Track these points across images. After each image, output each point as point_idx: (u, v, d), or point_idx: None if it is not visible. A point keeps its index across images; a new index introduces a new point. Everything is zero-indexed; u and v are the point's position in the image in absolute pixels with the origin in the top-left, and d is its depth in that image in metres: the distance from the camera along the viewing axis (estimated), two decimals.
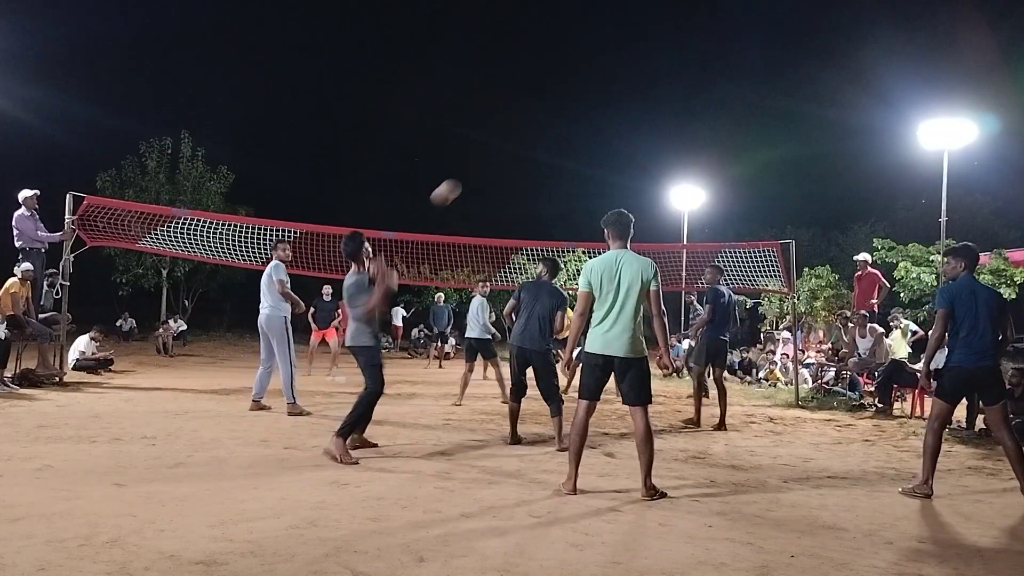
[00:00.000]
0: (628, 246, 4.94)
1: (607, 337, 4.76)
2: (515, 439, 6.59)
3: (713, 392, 8.53)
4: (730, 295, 8.58)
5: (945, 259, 5.58)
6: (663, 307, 4.85)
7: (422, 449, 6.19)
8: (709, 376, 8.49)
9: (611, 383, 4.93)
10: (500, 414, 8.50)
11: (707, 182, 22.12)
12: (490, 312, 10.12)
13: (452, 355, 18.68)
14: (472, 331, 9.63)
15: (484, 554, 3.54)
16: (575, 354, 5.67)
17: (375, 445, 6.07)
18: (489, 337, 9.68)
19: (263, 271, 8.20)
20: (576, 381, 11.62)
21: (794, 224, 34.08)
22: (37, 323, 9.70)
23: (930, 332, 5.40)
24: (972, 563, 3.74)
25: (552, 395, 6.48)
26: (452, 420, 7.95)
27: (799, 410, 10.06)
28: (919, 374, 9.33)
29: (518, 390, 6.62)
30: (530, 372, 6.62)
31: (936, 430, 5.22)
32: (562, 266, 7.58)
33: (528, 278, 13.89)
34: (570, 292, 8.00)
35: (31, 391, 8.88)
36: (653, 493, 4.73)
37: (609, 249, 4.95)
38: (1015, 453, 5.13)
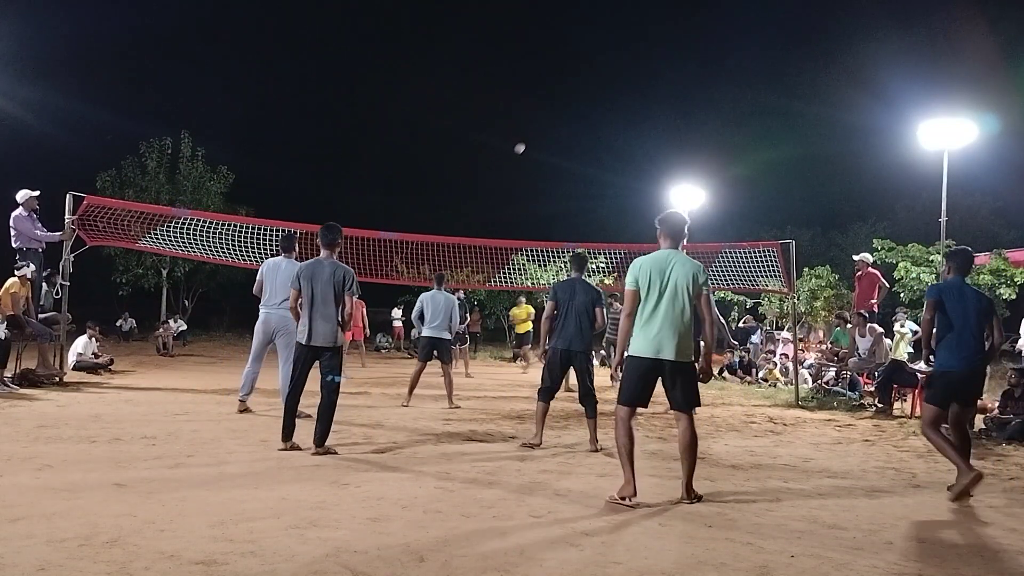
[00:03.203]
0: (679, 248, 4.83)
1: (658, 339, 4.59)
2: (539, 440, 6.43)
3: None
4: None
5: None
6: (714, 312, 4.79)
7: (422, 449, 6.19)
8: None
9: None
10: (500, 414, 8.51)
11: (707, 182, 22.08)
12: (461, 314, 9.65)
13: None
14: (432, 329, 9.04)
15: (484, 554, 3.54)
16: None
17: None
18: (449, 337, 9.24)
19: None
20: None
21: (794, 224, 34.12)
22: (37, 323, 9.69)
23: (920, 318, 5.53)
24: (972, 563, 3.74)
25: (589, 397, 6.41)
26: (452, 420, 7.95)
27: (799, 410, 10.06)
28: (920, 374, 9.41)
29: (549, 391, 6.50)
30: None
31: (935, 431, 5.27)
32: (588, 258, 7.23)
33: (528, 278, 13.95)
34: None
35: (31, 391, 8.88)
36: (694, 497, 4.67)
37: (660, 248, 4.83)
38: (961, 448, 5.27)
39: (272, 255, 9.86)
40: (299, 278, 5.80)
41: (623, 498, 4.54)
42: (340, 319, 5.80)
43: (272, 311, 7.80)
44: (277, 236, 10.70)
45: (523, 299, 17.21)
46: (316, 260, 5.89)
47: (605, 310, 6.64)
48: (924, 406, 5.47)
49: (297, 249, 8.14)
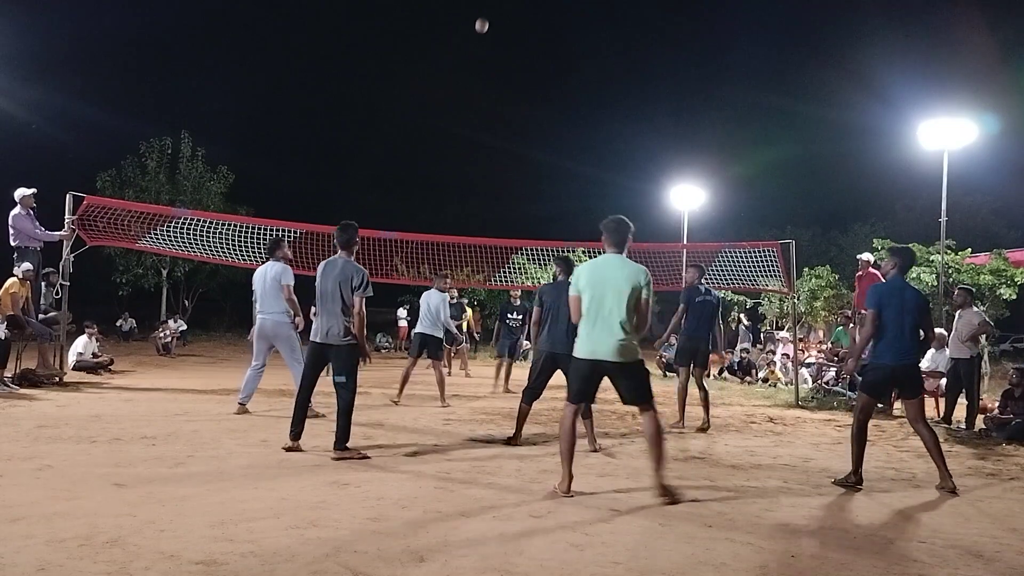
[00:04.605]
0: (623, 253, 4.87)
1: (592, 341, 4.71)
2: (518, 440, 6.54)
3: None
4: (709, 296, 8.13)
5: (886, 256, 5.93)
6: (650, 319, 4.77)
7: (422, 449, 6.19)
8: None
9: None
10: (500, 414, 8.50)
11: (707, 182, 22.14)
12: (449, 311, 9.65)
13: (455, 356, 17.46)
14: (423, 326, 9.30)
15: (484, 554, 3.54)
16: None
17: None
18: (440, 336, 9.39)
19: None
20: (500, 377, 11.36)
21: (794, 224, 34.20)
22: (37, 323, 9.69)
23: (859, 331, 5.68)
24: (972, 563, 3.74)
25: None
26: (452, 420, 7.95)
27: (799, 410, 10.06)
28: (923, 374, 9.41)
29: (532, 393, 6.51)
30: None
31: (861, 422, 5.48)
32: (574, 262, 7.31)
33: (528, 278, 13.94)
34: None
35: (31, 391, 8.88)
36: (666, 496, 4.62)
37: (605, 253, 4.90)
38: (932, 443, 5.36)
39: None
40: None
41: (558, 491, 4.73)
42: (349, 318, 5.69)
43: (267, 316, 7.70)
44: (275, 235, 10.72)
45: (464, 300, 17.15)
46: (332, 259, 5.87)
47: None
48: (858, 395, 5.79)
49: (284, 250, 7.96)
